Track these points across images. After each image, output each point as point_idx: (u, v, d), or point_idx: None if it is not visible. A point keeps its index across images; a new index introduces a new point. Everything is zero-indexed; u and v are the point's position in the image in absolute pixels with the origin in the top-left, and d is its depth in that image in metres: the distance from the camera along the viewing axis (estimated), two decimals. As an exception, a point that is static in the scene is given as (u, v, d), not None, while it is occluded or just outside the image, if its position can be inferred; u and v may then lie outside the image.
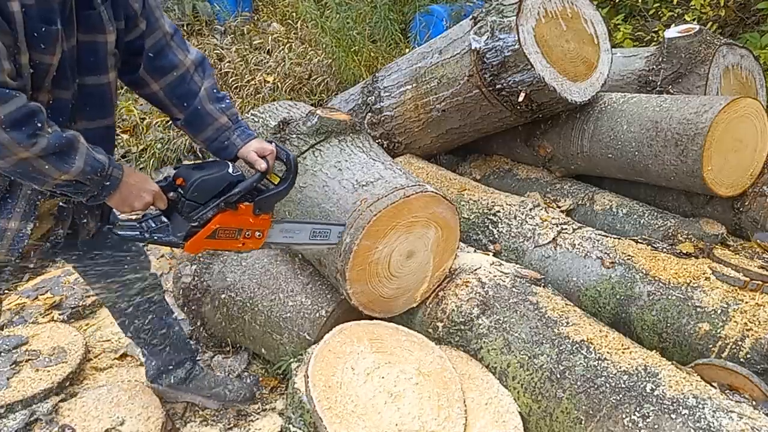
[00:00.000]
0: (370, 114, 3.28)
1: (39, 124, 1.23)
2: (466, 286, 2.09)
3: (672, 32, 3.26)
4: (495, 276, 2.13)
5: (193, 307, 2.40)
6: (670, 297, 2.12)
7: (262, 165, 1.60)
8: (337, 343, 1.79)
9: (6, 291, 1.69)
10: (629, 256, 2.30)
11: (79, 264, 1.82)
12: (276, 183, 1.62)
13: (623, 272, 2.25)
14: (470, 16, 2.87)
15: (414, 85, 3.07)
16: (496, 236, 2.58)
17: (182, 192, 1.48)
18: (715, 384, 1.72)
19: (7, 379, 2.16)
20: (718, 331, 1.97)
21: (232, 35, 5.49)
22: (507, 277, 2.13)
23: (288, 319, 2.17)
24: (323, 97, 4.75)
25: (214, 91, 1.64)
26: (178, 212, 1.50)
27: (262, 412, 2.20)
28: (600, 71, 2.87)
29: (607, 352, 1.80)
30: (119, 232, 1.48)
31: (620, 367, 1.73)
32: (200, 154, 4.31)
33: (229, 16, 5.67)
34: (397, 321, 2.04)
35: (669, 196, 2.88)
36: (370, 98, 3.30)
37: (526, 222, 2.56)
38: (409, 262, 2.03)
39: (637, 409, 1.60)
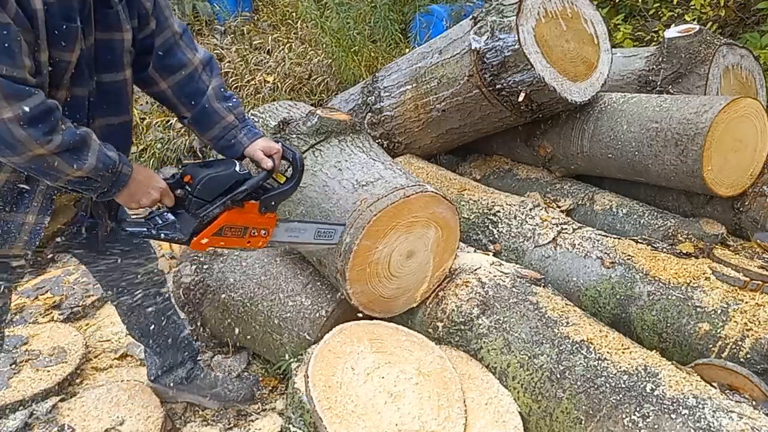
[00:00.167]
0: (370, 114, 3.28)
1: (55, 122, 1.25)
2: (466, 286, 2.09)
3: (672, 32, 3.26)
4: (495, 276, 2.13)
5: (193, 307, 2.40)
6: (670, 297, 2.12)
7: (268, 163, 1.61)
8: (337, 343, 1.79)
9: (16, 285, 1.71)
10: (629, 256, 2.30)
11: (90, 259, 1.83)
12: (282, 182, 1.63)
13: (623, 272, 2.25)
14: (470, 16, 2.87)
15: (414, 85, 3.07)
16: (496, 236, 2.58)
17: (189, 189, 1.49)
18: (715, 384, 1.72)
19: (7, 379, 2.16)
20: (718, 331, 1.97)
21: (232, 35, 5.48)
22: (507, 277, 2.13)
23: (288, 319, 2.17)
24: (323, 97, 4.75)
25: (222, 89, 1.65)
26: (185, 209, 1.51)
27: (262, 412, 2.20)
28: (600, 71, 2.87)
29: (607, 352, 1.80)
30: (127, 228, 1.50)
31: (620, 367, 1.73)
32: (200, 155, 4.31)
33: (229, 16, 5.66)
34: (397, 321, 2.04)
35: (669, 196, 2.88)
36: (370, 98, 3.30)
37: (526, 222, 2.56)
38: (409, 262, 2.03)
39: (637, 409, 1.60)
